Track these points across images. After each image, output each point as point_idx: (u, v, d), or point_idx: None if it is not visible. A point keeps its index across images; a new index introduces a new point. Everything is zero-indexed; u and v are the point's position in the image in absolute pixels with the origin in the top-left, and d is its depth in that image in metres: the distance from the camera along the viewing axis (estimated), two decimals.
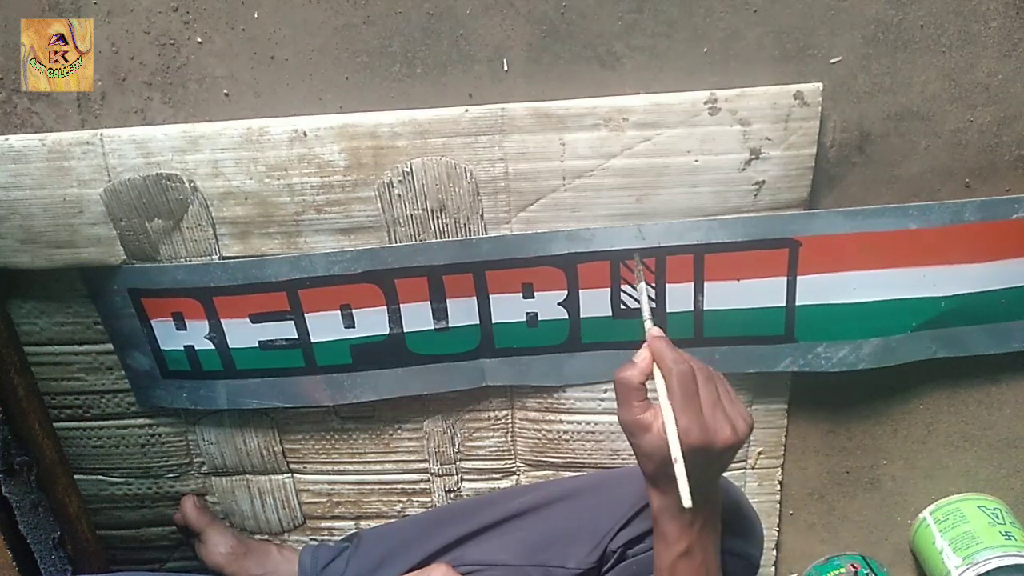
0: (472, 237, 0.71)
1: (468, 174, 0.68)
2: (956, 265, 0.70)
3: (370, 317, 0.74)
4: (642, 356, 0.56)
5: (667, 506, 0.55)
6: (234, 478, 0.87)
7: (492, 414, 0.81)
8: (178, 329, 0.76)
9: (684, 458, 0.50)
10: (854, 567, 0.86)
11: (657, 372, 0.55)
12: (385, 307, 0.74)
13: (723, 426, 0.52)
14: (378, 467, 0.85)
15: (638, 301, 0.66)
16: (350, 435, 0.83)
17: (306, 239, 0.72)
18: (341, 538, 0.88)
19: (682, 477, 0.50)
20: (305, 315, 0.74)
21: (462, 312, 0.74)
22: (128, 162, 0.68)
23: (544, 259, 0.71)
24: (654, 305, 0.69)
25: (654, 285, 0.69)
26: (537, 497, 0.75)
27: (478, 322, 0.75)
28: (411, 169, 0.68)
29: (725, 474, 0.58)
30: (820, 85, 0.64)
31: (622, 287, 0.71)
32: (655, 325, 0.59)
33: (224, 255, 0.73)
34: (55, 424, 0.82)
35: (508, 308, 0.74)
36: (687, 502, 0.49)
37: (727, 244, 0.69)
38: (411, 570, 0.72)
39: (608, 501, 0.70)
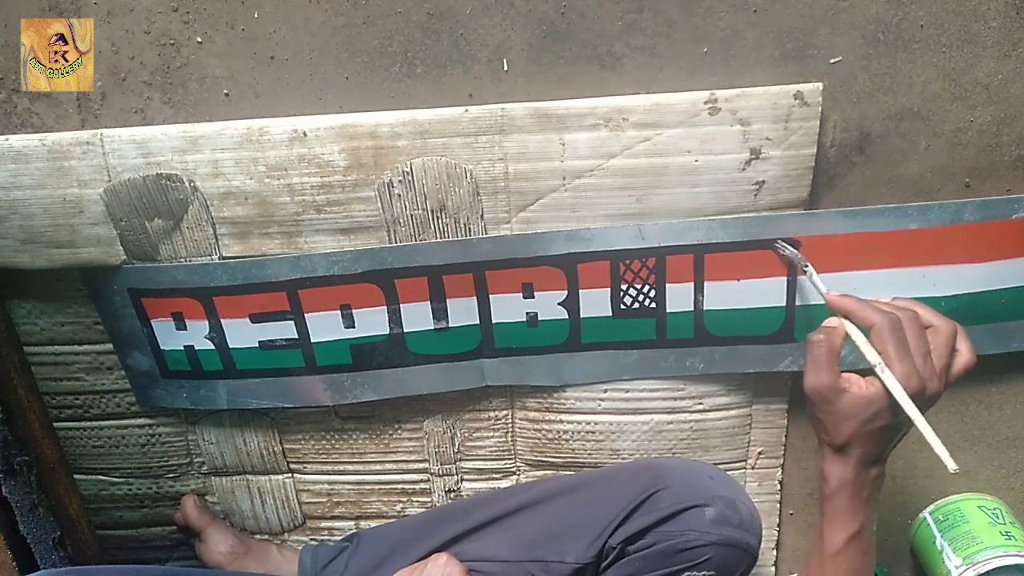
0: (472, 237, 0.71)
1: (468, 174, 0.68)
2: (956, 265, 0.70)
3: (370, 317, 0.74)
4: (833, 321, 0.56)
5: (850, 480, 0.52)
6: (234, 478, 0.87)
7: (492, 414, 0.81)
8: (178, 329, 0.76)
9: (903, 411, 0.48)
10: None
11: (853, 329, 0.54)
12: (385, 307, 0.73)
13: (932, 375, 0.50)
14: (378, 467, 0.85)
15: (810, 284, 0.66)
16: (350, 435, 0.83)
17: (306, 239, 0.72)
18: (341, 538, 0.88)
19: (932, 435, 0.47)
20: (305, 315, 0.74)
21: (462, 312, 0.74)
22: (128, 162, 0.68)
23: (544, 259, 0.71)
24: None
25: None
26: (534, 493, 0.75)
27: (478, 322, 0.75)
28: (411, 169, 0.68)
29: (724, 469, 0.56)
30: (820, 85, 0.64)
31: (622, 288, 0.72)
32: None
33: (224, 255, 0.73)
34: (55, 424, 0.82)
35: (508, 308, 0.74)
36: (951, 464, 0.46)
37: (727, 244, 0.69)
38: None
39: (605, 496, 0.70)
